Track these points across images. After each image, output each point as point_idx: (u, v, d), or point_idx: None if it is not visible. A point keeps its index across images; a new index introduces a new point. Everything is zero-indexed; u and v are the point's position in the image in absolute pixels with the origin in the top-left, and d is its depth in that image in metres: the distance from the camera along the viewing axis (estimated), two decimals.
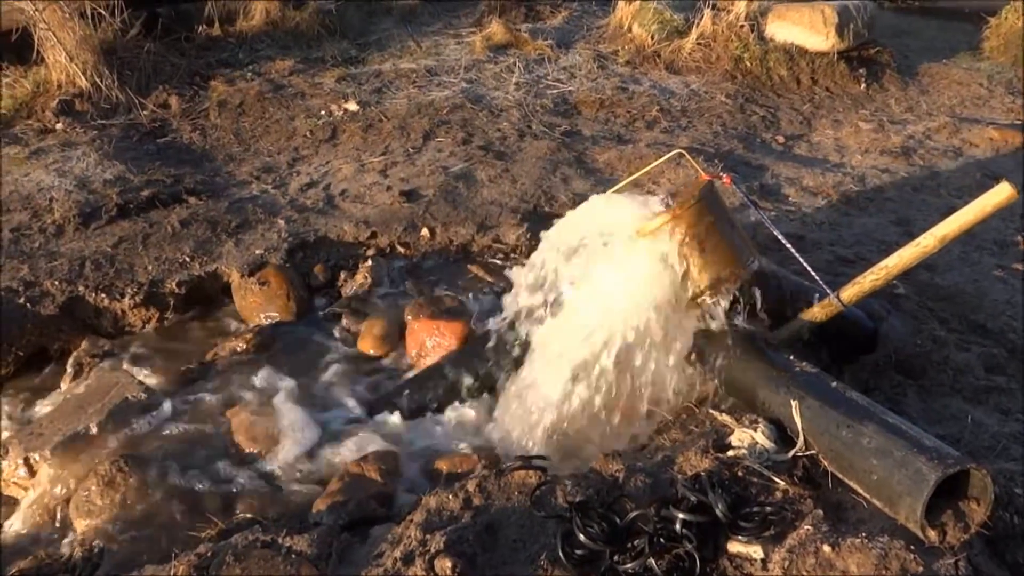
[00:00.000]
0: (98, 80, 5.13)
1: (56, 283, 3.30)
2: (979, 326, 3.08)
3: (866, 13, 6.39)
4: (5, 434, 2.76)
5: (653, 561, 1.82)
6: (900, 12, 8.63)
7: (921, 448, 1.92)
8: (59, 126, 4.85)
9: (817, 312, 2.51)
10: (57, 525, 2.43)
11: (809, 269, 2.48)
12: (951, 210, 2.35)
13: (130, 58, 5.39)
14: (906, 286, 3.22)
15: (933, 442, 1.96)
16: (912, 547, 1.80)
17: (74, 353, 3.11)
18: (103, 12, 5.28)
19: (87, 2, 5.18)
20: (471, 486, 2.10)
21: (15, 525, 2.45)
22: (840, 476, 2.07)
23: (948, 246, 2.35)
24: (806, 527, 1.89)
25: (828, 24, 6.19)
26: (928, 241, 2.31)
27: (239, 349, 3.09)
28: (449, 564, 1.82)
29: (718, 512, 1.90)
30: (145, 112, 5.08)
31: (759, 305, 2.50)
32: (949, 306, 3.21)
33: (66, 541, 2.32)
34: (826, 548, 1.82)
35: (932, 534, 1.85)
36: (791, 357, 2.39)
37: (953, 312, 3.16)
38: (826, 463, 2.10)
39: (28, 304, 3.18)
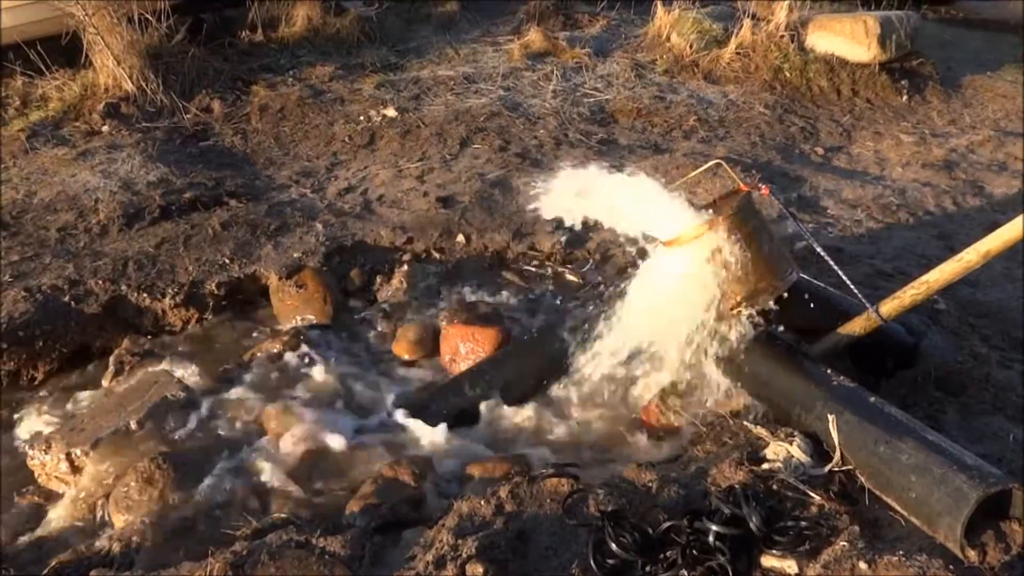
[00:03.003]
0: (144, 84, 5.24)
1: (100, 282, 3.37)
2: (1022, 343, 3.02)
3: (909, 24, 6.31)
4: (48, 429, 2.83)
5: (686, 573, 1.81)
6: (944, 23, 8.50)
7: (962, 466, 1.89)
8: (105, 128, 4.96)
9: (856, 326, 2.48)
10: (97, 520, 2.47)
11: (848, 282, 2.45)
12: (994, 225, 2.31)
13: (175, 63, 5.50)
14: (947, 301, 3.17)
15: (974, 460, 1.93)
16: (951, 567, 1.77)
17: (116, 351, 3.17)
18: (150, 18, 5.39)
19: (135, 8, 5.29)
20: (503, 492, 2.11)
21: (56, 519, 2.51)
22: (877, 492, 2.05)
23: (991, 262, 2.31)
24: (842, 543, 1.87)
25: (870, 35, 6.12)
26: (971, 256, 2.27)
27: (276, 350, 3.13)
28: (481, 569, 1.83)
29: (752, 525, 1.89)
30: (188, 116, 5.17)
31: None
32: (991, 323, 3.15)
33: (105, 536, 2.36)
34: (862, 565, 1.80)
35: (972, 554, 1.82)
36: (828, 370, 2.36)
37: (995, 329, 3.11)
38: (863, 479, 2.08)
39: (72, 302, 3.26)
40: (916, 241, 3.93)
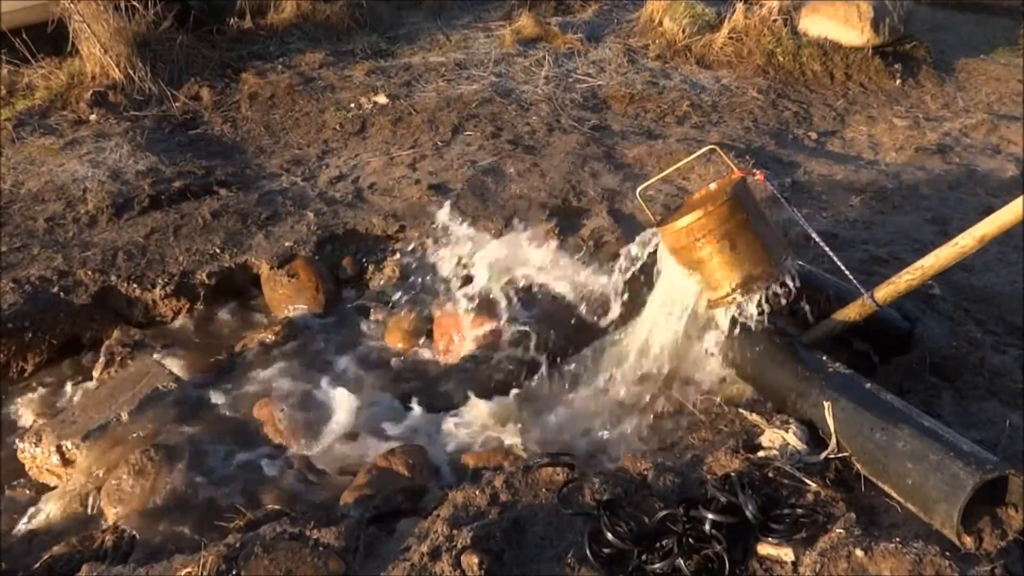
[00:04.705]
0: (131, 72, 5.18)
1: (89, 273, 3.33)
2: (1017, 328, 3.01)
3: (902, 7, 6.28)
4: (39, 422, 2.80)
5: (682, 561, 1.80)
6: (937, 7, 8.45)
7: (958, 453, 1.89)
8: (93, 117, 4.91)
9: (851, 312, 2.47)
10: (89, 512, 2.46)
11: (843, 268, 2.44)
12: (989, 209, 2.30)
13: (163, 50, 5.43)
14: (942, 287, 3.16)
15: (970, 447, 1.93)
16: (947, 553, 1.77)
17: (106, 343, 3.15)
18: (136, 5, 5.32)
19: None
20: (498, 482, 2.09)
21: (48, 511, 2.49)
22: (873, 479, 2.04)
23: (986, 246, 2.30)
24: (838, 530, 1.87)
25: (863, 18, 6.09)
26: (966, 241, 2.26)
27: (267, 341, 3.11)
28: (476, 560, 1.82)
29: (748, 513, 1.88)
30: (177, 104, 5.12)
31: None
32: (986, 307, 3.14)
33: (97, 528, 2.34)
34: (858, 552, 1.80)
35: (968, 540, 1.82)
36: (824, 357, 2.35)
37: (990, 314, 3.10)
38: (859, 466, 2.07)
39: (62, 293, 3.22)
40: (910, 226, 3.92)
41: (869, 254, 3.55)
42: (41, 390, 3.03)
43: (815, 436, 2.18)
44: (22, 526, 2.46)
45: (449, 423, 2.68)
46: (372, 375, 3.00)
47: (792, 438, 2.15)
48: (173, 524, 2.30)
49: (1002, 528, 1.86)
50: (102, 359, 3.07)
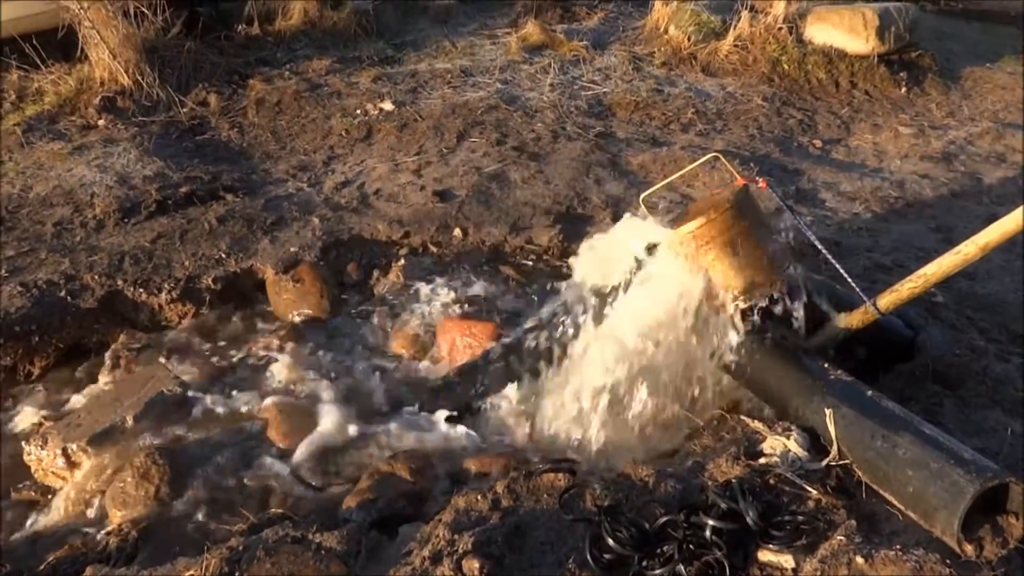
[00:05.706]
0: (140, 78, 5.22)
1: (96, 277, 3.36)
2: (1020, 336, 3.01)
3: (907, 16, 6.28)
4: (45, 425, 2.82)
5: (682, 568, 1.81)
6: (942, 15, 8.46)
7: (959, 460, 1.89)
8: (101, 122, 4.94)
9: (853, 319, 2.47)
10: (93, 515, 2.48)
11: (846, 275, 2.44)
12: (993, 217, 2.30)
13: (171, 56, 5.48)
14: (945, 294, 3.17)
15: (971, 455, 1.93)
16: (948, 561, 1.77)
17: (112, 346, 3.17)
18: (146, 11, 5.36)
19: (130, 1, 5.26)
20: (500, 487, 2.10)
21: (53, 514, 2.50)
22: (874, 487, 2.04)
23: (989, 254, 2.30)
24: (839, 537, 1.87)
25: (868, 27, 6.10)
26: (969, 249, 2.26)
27: (272, 345, 3.12)
28: (477, 565, 1.82)
29: (749, 520, 1.89)
30: (185, 110, 5.15)
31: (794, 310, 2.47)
32: (989, 315, 3.14)
33: (102, 531, 2.36)
34: (859, 559, 1.80)
35: (969, 548, 1.82)
36: (825, 364, 2.36)
37: (993, 322, 3.10)
38: (860, 473, 2.07)
39: (68, 297, 3.25)
40: (914, 234, 3.92)
41: (873, 262, 3.55)
42: (47, 393, 3.05)
43: (816, 443, 2.18)
44: (27, 528, 2.47)
45: (452, 428, 2.69)
46: (375, 380, 3.01)
47: (793, 445, 2.16)
48: (177, 527, 2.32)
49: (1003, 536, 1.86)
50: (108, 363, 3.09)
